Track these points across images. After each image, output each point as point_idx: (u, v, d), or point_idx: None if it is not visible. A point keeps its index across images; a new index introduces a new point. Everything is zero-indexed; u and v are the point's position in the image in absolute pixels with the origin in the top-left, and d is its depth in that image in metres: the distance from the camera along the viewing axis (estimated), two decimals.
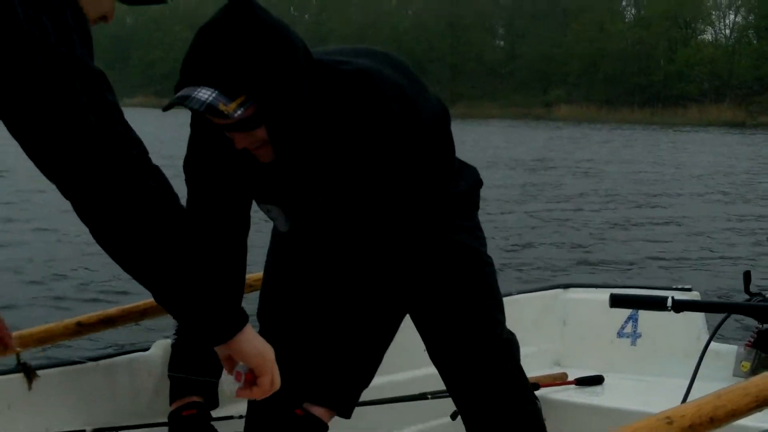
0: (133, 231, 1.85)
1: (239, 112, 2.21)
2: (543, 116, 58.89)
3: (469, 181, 2.74)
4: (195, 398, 2.54)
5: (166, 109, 2.24)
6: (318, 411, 2.49)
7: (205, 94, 2.18)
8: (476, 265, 2.70)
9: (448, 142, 2.64)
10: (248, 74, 2.20)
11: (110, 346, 4.86)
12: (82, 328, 2.87)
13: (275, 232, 2.80)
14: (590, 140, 36.79)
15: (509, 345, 2.75)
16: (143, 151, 1.86)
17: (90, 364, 2.78)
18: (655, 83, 60.57)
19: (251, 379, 2.08)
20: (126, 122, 1.85)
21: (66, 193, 1.85)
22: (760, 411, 1.91)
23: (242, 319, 2.02)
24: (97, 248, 1.90)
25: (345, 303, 2.47)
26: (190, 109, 2.22)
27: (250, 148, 2.34)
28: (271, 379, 2.07)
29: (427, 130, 2.52)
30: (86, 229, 1.89)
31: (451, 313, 2.67)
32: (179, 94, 2.22)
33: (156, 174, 1.87)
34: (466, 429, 2.78)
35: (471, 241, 2.70)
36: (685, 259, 12.53)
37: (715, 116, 54.12)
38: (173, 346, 2.58)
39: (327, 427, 2.49)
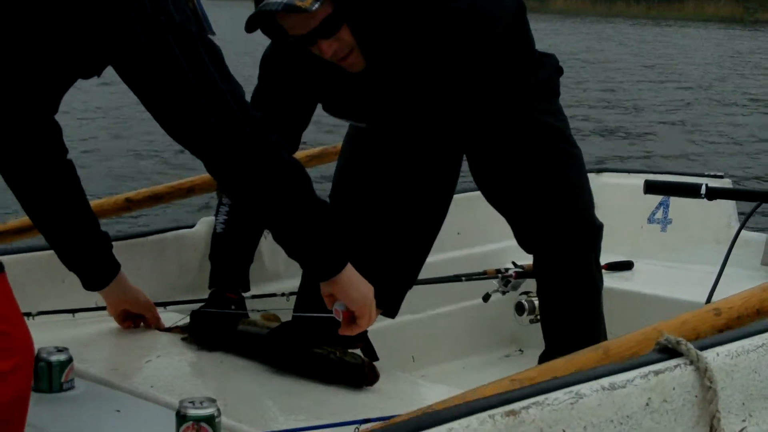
0: (248, 186, 1.98)
1: (316, 5, 2.25)
2: (537, 9, 57.22)
3: (549, 70, 2.79)
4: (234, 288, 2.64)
5: (249, 29, 2.31)
6: None
7: None
8: (565, 145, 2.77)
9: (525, 35, 2.68)
10: None
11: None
12: (131, 204, 2.94)
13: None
14: (599, 34, 36.07)
15: (599, 231, 2.83)
16: (245, 108, 1.95)
17: (138, 239, 2.86)
18: None
19: (349, 316, 2.15)
20: (229, 79, 1.94)
21: (193, 153, 1.99)
22: None
23: (344, 259, 2.10)
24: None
25: (395, 202, 2.52)
26: (270, 11, 2.26)
27: (338, 58, 2.39)
28: (369, 318, 2.17)
29: (502, 26, 2.55)
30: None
31: (542, 190, 2.73)
32: (259, 6, 2.27)
33: (259, 131, 1.95)
34: (539, 297, 2.94)
35: (556, 122, 2.77)
36: (714, 145, 12.48)
37: (712, 11, 52.79)
38: (217, 235, 2.65)
39: None
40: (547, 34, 31.60)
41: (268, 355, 2.26)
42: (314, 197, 2.04)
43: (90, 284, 2.44)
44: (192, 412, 1.82)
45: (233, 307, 2.51)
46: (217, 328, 2.40)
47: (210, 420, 1.82)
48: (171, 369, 2.27)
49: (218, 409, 1.84)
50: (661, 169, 4.69)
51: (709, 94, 18.34)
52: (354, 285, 2.13)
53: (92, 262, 2.41)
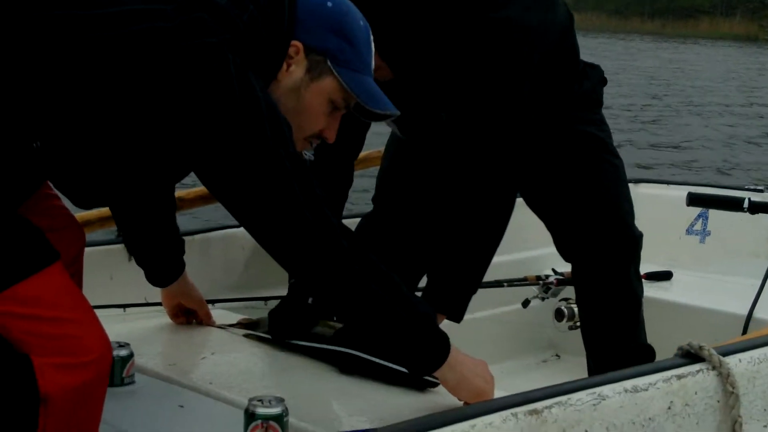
0: (345, 302, 1.90)
1: None
2: None
3: (593, 80, 2.80)
4: None
5: None
6: None
7: None
8: (606, 155, 2.78)
9: (572, 47, 2.69)
10: None
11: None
12: (182, 203, 2.94)
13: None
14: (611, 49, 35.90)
15: (638, 242, 2.82)
16: (350, 236, 1.88)
17: (186, 238, 2.86)
18: None
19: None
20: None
21: (284, 266, 1.95)
22: None
23: (441, 353, 1.94)
24: None
25: (458, 211, 2.53)
26: None
27: None
28: None
29: (553, 39, 2.57)
30: None
31: (583, 200, 2.74)
32: None
33: (359, 256, 1.87)
34: (578, 306, 2.93)
35: (598, 132, 2.78)
36: (754, 161, 12.48)
37: (726, 29, 52.40)
38: None
39: None
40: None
41: (333, 356, 2.27)
42: (408, 298, 1.92)
43: (157, 281, 2.49)
44: (261, 410, 1.82)
45: (310, 300, 2.51)
46: (296, 324, 2.41)
47: (279, 419, 1.83)
48: (227, 366, 2.28)
49: (286, 408, 1.85)
50: (704, 182, 4.65)
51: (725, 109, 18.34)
52: (466, 380, 1.97)
53: (166, 263, 2.47)
